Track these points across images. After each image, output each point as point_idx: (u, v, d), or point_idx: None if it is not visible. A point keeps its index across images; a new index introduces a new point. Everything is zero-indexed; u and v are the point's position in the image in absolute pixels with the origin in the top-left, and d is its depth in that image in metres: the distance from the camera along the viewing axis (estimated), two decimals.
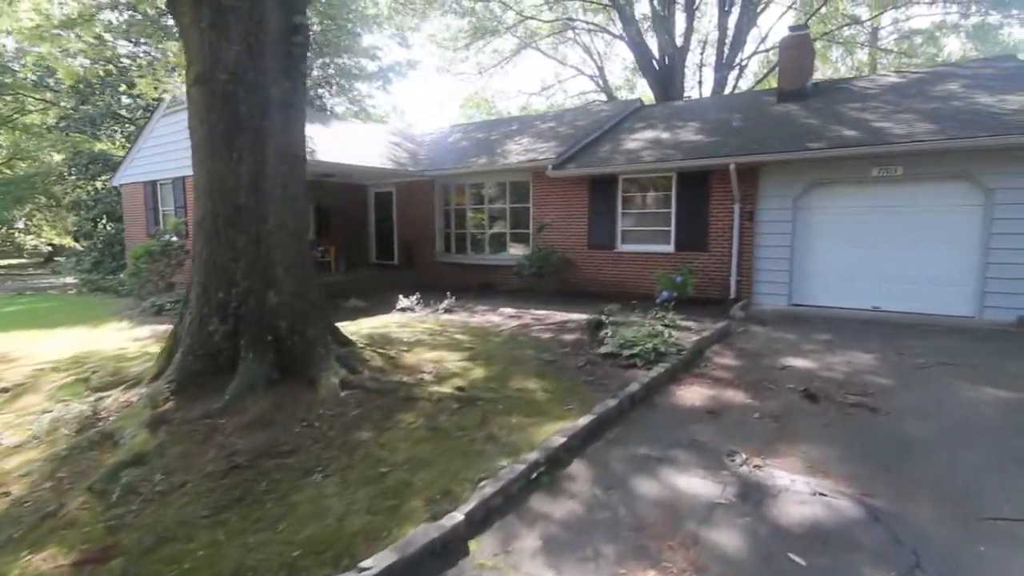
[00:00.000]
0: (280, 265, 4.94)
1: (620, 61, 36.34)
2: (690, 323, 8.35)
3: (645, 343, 5.94)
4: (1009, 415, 4.51)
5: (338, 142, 13.87)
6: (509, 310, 10.36)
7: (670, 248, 11.02)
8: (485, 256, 13.90)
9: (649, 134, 12.37)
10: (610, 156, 11.60)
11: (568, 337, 7.54)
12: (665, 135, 12.03)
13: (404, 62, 30.72)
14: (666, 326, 7.90)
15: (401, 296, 10.76)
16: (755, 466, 3.55)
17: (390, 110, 37.54)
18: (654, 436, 4.10)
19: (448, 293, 10.99)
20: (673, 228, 10.97)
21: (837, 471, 3.51)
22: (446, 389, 4.87)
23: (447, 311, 10.22)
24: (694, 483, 3.37)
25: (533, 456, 3.51)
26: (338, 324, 9.08)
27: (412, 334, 7.80)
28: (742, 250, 10.17)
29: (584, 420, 4.11)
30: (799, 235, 9.77)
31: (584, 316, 9.01)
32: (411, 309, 10.50)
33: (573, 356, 6.38)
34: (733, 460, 3.65)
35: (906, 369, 5.85)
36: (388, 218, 15.98)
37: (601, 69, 27.89)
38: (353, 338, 6.99)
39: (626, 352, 5.96)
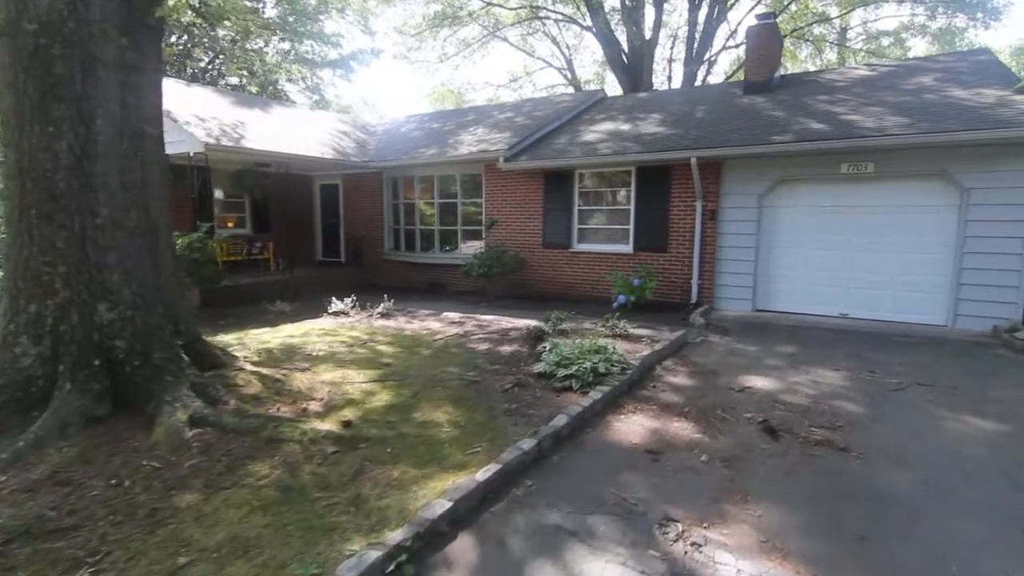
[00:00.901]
0: (117, 271, 3.91)
1: (590, 54, 35.64)
2: (645, 331, 7.56)
3: (582, 361, 5.08)
4: (998, 455, 3.78)
5: (276, 129, 12.71)
6: (453, 315, 9.44)
7: (629, 248, 10.23)
8: (436, 254, 12.93)
9: (609, 126, 11.56)
10: (566, 148, 10.75)
11: (506, 349, 6.65)
12: (625, 127, 11.23)
13: (368, 50, 29.45)
14: (617, 335, 7.11)
15: (335, 298, 9.74)
16: (693, 543, 2.70)
17: (360, 102, 36.28)
18: (574, 493, 3.23)
19: (386, 295, 9.99)
20: (632, 227, 10.18)
21: (798, 548, 2.69)
22: (327, 426, 3.92)
23: (383, 315, 9.24)
24: (610, 573, 2.50)
25: (398, 536, 2.60)
26: (254, 331, 8.07)
27: (329, 345, 6.81)
28: (704, 251, 9.44)
29: (485, 473, 3.21)
30: (764, 236, 9.08)
31: (532, 322, 8.17)
32: (344, 313, 9.49)
33: (503, 375, 5.48)
34: (666, 533, 2.80)
35: (878, 392, 5.13)
36: (335, 212, 14.86)
37: (570, 62, 27.10)
38: (250, 352, 5.99)
39: (561, 372, 5.09)
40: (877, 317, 8.31)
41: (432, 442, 3.79)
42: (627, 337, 7.10)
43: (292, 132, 13.01)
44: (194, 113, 11.14)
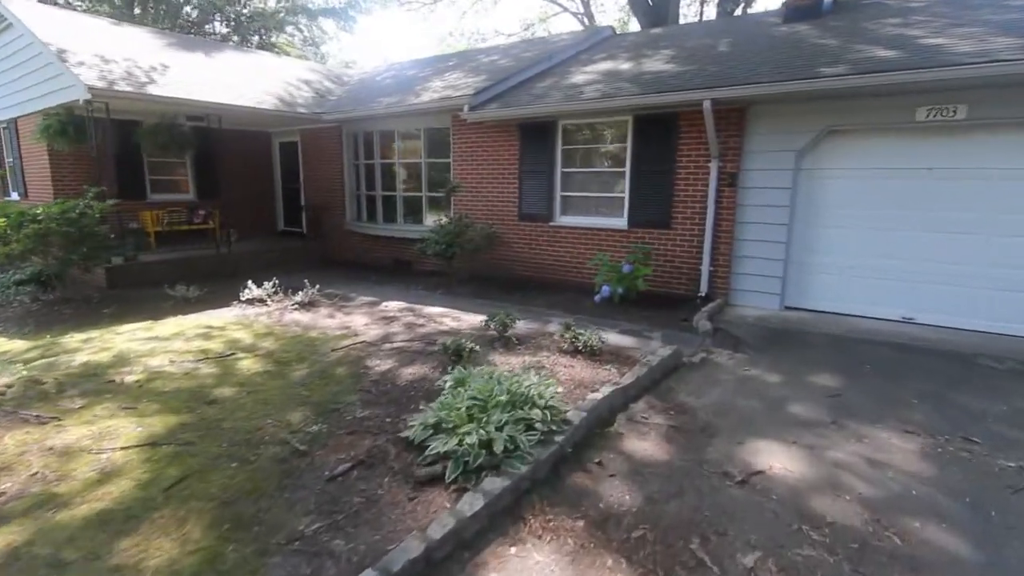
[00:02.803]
0: None
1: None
2: (625, 340, 5.46)
3: (471, 432, 3.01)
4: None
5: (211, 75, 10.68)
6: (395, 305, 7.47)
7: (623, 223, 7.97)
8: (400, 226, 10.87)
9: (606, 66, 9.13)
10: (545, 93, 8.42)
11: (409, 373, 4.64)
12: (626, 66, 8.79)
13: None
14: (578, 351, 5.02)
15: (251, 283, 7.84)
16: None
17: (380, 60, 33.88)
18: None
19: (307, 280, 7.99)
20: (627, 195, 7.89)
21: None
22: None
23: (302, 306, 7.32)
24: None
25: None
26: (121, 328, 5.39)
27: (173, 359, 4.90)
28: (719, 228, 7.14)
29: None
30: (801, 208, 6.72)
31: (486, 320, 6.16)
32: (261, 301, 7.61)
33: (359, 435, 3.47)
34: None
35: (985, 490, 2.94)
36: (296, 175, 12.88)
37: (587, 4, 24.06)
38: (24, 375, 4.12)
39: (434, 445, 3.04)
40: (955, 324, 5.97)
41: None
42: (592, 355, 4.98)
43: (233, 79, 10.95)
44: (98, 53, 9.17)
